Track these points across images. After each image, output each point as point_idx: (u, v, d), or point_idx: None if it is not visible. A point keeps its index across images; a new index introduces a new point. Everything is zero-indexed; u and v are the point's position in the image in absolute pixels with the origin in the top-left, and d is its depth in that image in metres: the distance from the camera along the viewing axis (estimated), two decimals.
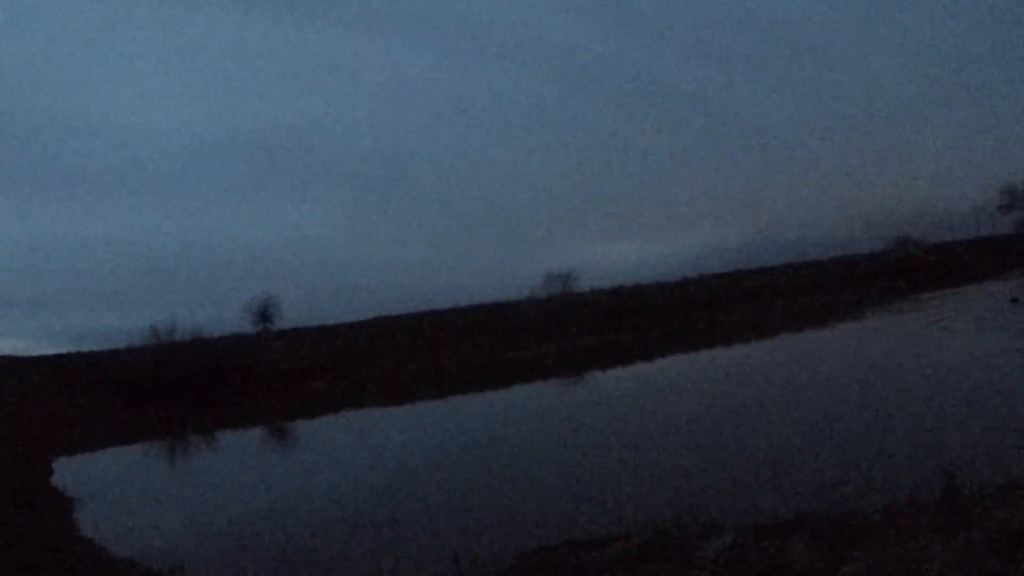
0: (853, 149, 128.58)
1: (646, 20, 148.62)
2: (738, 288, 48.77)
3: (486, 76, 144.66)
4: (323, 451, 18.32)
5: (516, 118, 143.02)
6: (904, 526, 5.89)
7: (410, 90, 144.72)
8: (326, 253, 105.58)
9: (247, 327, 49.99)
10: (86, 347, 47.24)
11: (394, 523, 10.20)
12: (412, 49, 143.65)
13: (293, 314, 52.99)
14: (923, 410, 12.72)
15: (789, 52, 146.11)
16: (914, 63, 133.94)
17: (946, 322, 25.83)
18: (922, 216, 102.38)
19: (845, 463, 9.87)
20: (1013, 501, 5.95)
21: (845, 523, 6.36)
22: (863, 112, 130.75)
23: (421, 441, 17.41)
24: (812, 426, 12.70)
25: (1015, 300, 31.18)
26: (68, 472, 17.95)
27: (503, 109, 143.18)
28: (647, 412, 16.77)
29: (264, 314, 51.88)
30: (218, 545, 10.23)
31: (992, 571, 4.67)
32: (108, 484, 16.69)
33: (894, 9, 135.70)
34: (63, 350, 48.46)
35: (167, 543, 10.41)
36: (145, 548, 10.13)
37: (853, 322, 31.80)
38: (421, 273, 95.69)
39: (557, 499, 10.17)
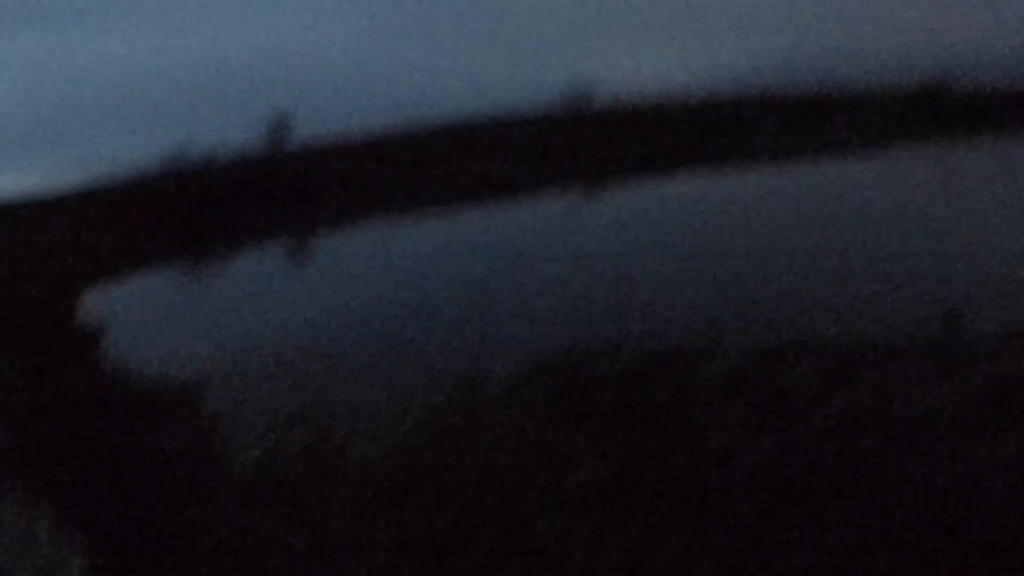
0: None
1: None
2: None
3: None
4: (346, 269, 17.82)
5: None
6: (904, 360, 6.05)
7: None
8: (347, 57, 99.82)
9: (260, 146, 47.39)
10: (103, 177, 44.89)
11: (408, 336, 10.12)
12: None
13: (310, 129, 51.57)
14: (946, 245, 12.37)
15: None
16: None
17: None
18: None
19: (857, 290, 9.72)
20: (1013, 349, 6.16)
21: (846, 352, 6.48)
22: None
23: (444, 251, 17.36)
24: (825, 249, 12.55)
25: None
26: (94, 302, 17.43)
27: None
28: (656, 228, 16.93)
29: (279, 129, 49.23)
30: (241, 360, 10.14)
31: (981, 414, 4.78)
32: (135, 312, 16.23)
33: None
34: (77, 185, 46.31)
35: (194, 361, 10.29)
36: (174, 368, 10.00)
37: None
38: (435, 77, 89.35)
39: (570, 301, 10.32)
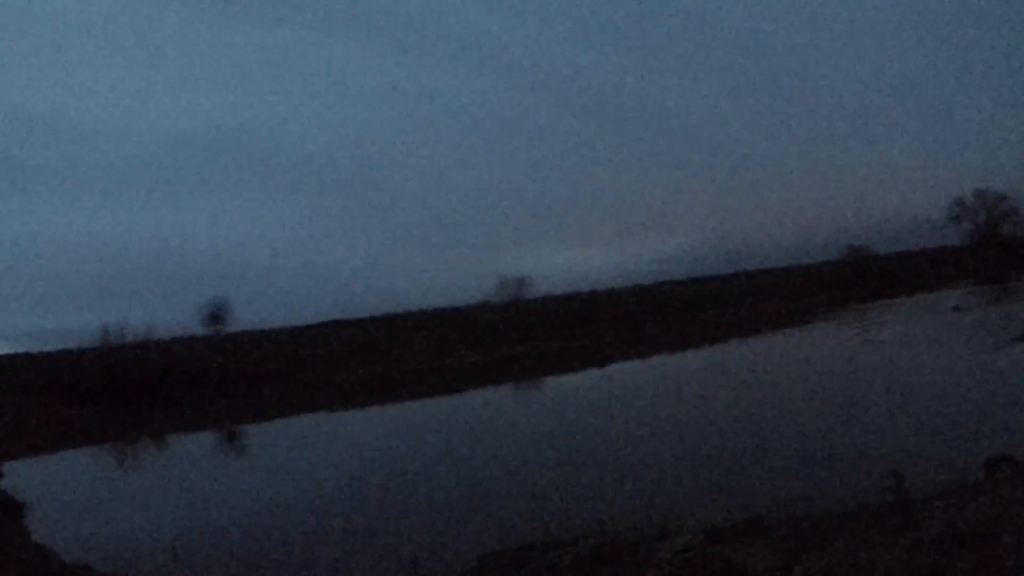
0: (812, 161, 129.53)
1: (610, 29, 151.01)
2: (691, 295, 49.65)
3: (449, 82, 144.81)
4: (274, 456, 17.86)
5: (478, 123, 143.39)
6: (854, 527, 6.03)
7: (372, 94, 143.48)
8: (282, 255, 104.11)
9: (199, 329, 49.15)
10: (35, 348, 45.30)
11: (349, 528, 9.95)
12: (375, 53, 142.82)
13: (249, 316, 53.33)
14: (870, 415, 12.82)
15: (752, 64, 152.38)
16: (875, 78, 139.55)
17: (890, 330, 26.85)
18: (876, 227, 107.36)
19: (798, 466, 9.87)
20: (955, 503, 6.11)
21: (798, 525, 6.48)
22: (824, 125, 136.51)
23: (375, 446, 17.01)
24: (763, 430, 12.66)
25: (956, 308, 32.81)
26: (18, 476, 17.27)
27: (465, 114, 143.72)
28: (600, 418, 16.54)
29: (216, 316, 50.70)
30: (168, 550, 9.88)
31: (936, 570, 4.77)
32: (59, 488, 16.16)
33: (856, 26, 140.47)
34: (11, 351, 46.21)
35: (118, 548, 10.12)
36: (96, 553, 9.79)
37: (800, 329, 32.50)
38: (376, 277, 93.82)
39: (513, 504, 9.96)
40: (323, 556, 8.62)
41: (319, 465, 15.19)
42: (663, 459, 11.24)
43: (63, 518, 12.58)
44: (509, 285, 52.26)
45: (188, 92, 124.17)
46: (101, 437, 23.56)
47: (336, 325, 45.56)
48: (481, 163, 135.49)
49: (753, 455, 10.75)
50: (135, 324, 39.34)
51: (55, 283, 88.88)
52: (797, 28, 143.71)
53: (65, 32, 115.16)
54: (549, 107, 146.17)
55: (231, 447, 20.60)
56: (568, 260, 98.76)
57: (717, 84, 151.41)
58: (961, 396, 13.44)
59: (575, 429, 15.10)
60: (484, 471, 12.21)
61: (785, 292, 49.50)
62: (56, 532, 11.13)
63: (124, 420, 26.15)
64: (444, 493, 11.00)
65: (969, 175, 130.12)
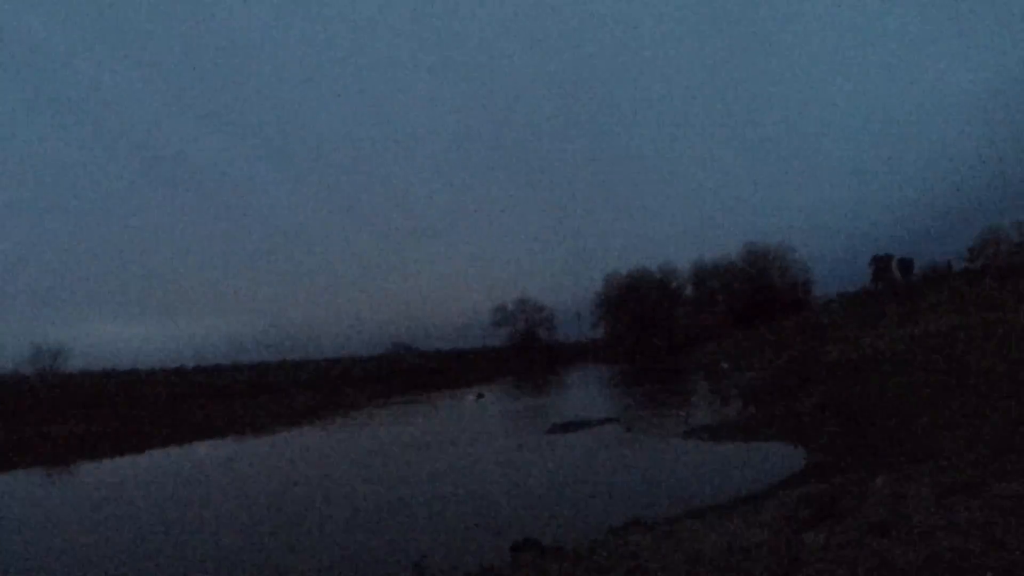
0: (373, 257, 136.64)
1: (189, 92, 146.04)
2: (239, 380, 48.65)
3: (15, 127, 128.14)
4: None
5: (38, 172, 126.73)
6: None
7: None
8: None
9: None
10: None
11: None
12: None
13: None
14: (394, 508, 12.76)
15: (326, 158, 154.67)
16: (437, 191, 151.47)
17: (423, 421, 28.76)
18: (423, 326, 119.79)
19: (319, 563, 9.72)
20: None
21: None
22: (386, 223, 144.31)
23: None
24: (281, 525, 12.22)
25: (480, 396, 37.17)
26: None
27: (13, 157, 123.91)
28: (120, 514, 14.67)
29: None
30: None
31: None
32: None
33: (425, 135, 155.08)
34: None
35: None
36: None
37: (339, 421, 32.44)
38: None
39: None
40: None
41: None
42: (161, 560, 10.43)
43: None
44: (43, 356, 47.70)
45: None
46: None
47: None
48: (31, 220, 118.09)
49: (277, 553, 10.34)
50: None
51: None
52: (376, 139, 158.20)
53: None
54: (116, 168, 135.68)
55: None
56: (113, 334, 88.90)
57: (286, 170, 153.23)
58: (490, 485, 14.04)
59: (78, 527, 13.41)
60: None
61: (332, 382, 50.76)
62: None
63: None
64: None
65: (511, 283, 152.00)
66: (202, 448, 25.35)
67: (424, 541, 9.89)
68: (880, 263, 58.58)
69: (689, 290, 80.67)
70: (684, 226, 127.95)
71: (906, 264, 56.43)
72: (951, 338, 21.25)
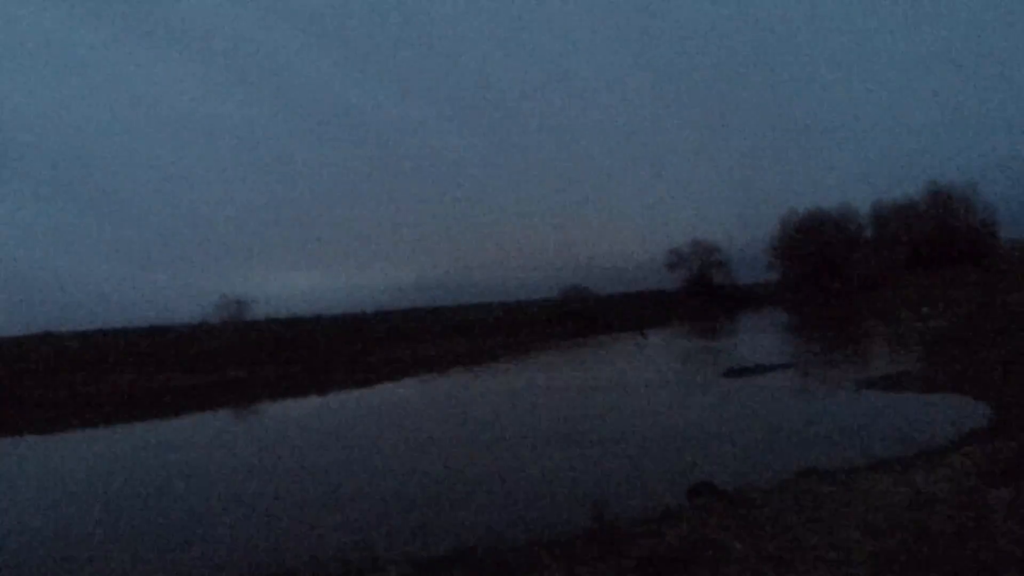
0: (540, 202, 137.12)
1: (357, 50, 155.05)
2: (416, 325, 48.36)
3: (195, 89, 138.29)
4: None
5: (218, 136, 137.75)
6: (558, 555, 6.48)
7: (111, 88, 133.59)
8: None
9: None
10: None
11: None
12: (121, 42, 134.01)
13: None
14: (580, 446, 13.13)
15: (492, 104, 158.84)
16: (602, 129, 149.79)
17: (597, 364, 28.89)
18: (597, 270, 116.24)
19: (507, 499, 10.00)
20: (657, 529, 6.85)
21: (503, 556, 6.74)
22: (553, 170, 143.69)
23: (78, 475, 15.00)
24: (472, 463, 12.58)
25: (643, 336, 39.48)
26: None
27: (207, 125, 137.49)
28: (315, 449, 15.65)
29: None
30: None
31: None
32: None
33: (590, 76, 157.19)
34: None
35: None
36: None
37: (517, 362, 32.83)
38: (94, 289, 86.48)
39: (219, 534, 9.53)
40: None
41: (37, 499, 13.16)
42: (376, 492, 11.00)
43: None
44: (230, 305, 51.03)
45: None
46: None
47: (48, 338, 41.62)
48: (216, 178, 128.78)
49: (464, 488, 10.75)
50: None
51: None
52: (541, 79, 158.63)
53: None
54: (291, 126, 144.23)
55: None
56: (293, 283, 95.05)
57: (459, 121, 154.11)
58: (670, 427, 14.12)
59: (287, 460, 14.50)
60: (190, 503, 11.39)
61: (511, 326, 49.83)
62: None
63: None
64: (145, 526, 10.22)
65: (685, 226, 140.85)
66: (383, 389, 27.12)
67: (603, 482, 10.30)
68: None
69: (869, 232, 75.35)
70: (865, 166, 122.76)
71: None
72: None
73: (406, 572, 6.62)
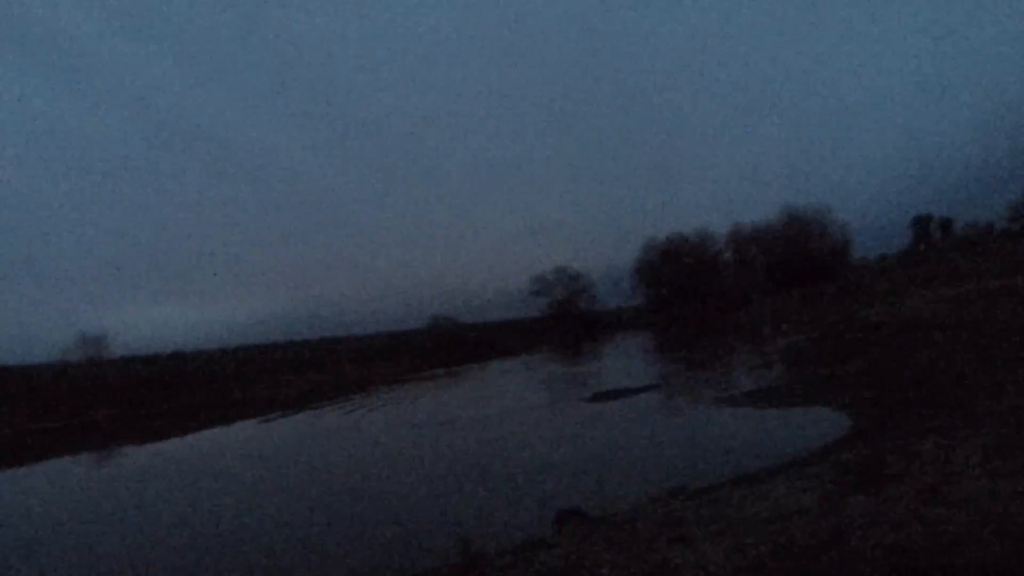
0: (410, 231, 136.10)
1: (218, 67, 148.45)
2: (280, 359, 48.97)
3: (67, 107, 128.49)
4: None
5: (86, 158, 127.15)
6: None
7: None
8: None
9: None
10: None
11: None
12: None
13: None
14: (445, 481, 12.93)
15: (365, 133, 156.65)
16: (475, 160, 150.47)
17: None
18: (464, 297, 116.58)
19: (368, 539, 9.82)
20: (526, 557, 6.83)
21: None
22: (424, 198, 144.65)
23: None
24: (326, 506, 12.28)
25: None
26: None
27: (75, 148, 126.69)
28: (178, 493, 15.16)
29: None
30: None
31: None
32: None
33: (461, 107, 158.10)
34: None
35: None
36: None
37: (380, 394, 32.92)
38: None
39: None
40: None
41: None
42: (232, 542, 10.63)
43: None
44: (88, 343, 48.95)
45: None
46: None
47: None
48: (65, 199, 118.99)
49: (320, 531, 10.49)
50: None
51: None
52: (409, 107, 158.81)
53: None
54: (155, 152, 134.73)
55: None
56: (155, 319, 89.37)
57: (327, 148, 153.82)
58: (532, 456, 14.10)
59: (134, 507, 13.96)
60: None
61: (376, 356, 51.14)
62: None
63: None
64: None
65: (552, 254, 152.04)
66: (240, 428, 26.01)
67: (468, 515, 10.01)
68: (921, 224, 57.40)
69: (728, 255, 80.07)
70: (723, 191, 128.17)
71: (946, 224, 55.19)
72: (994, 299, 20.78)
73: None
